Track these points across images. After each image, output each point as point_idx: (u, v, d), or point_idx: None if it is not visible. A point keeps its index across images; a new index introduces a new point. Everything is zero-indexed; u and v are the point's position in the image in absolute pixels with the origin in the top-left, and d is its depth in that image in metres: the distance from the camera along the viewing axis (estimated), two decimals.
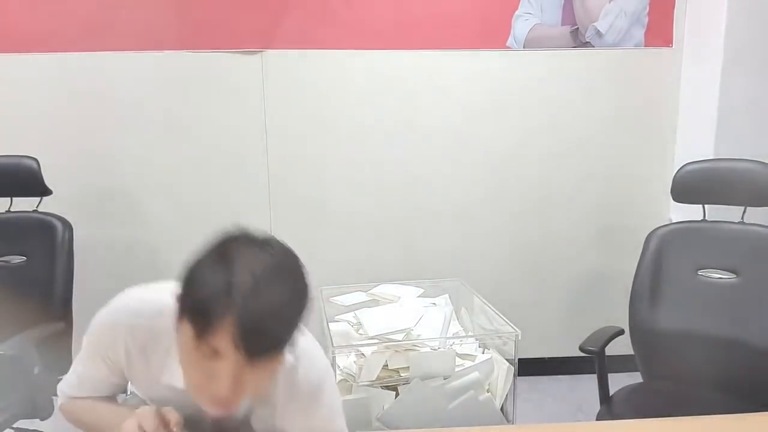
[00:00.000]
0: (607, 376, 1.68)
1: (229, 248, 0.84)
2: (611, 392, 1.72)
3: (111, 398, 1.12)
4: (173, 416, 0.92)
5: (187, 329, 0.81)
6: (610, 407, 1.66)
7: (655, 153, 2.67)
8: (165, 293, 0.90)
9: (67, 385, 1.12)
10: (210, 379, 0.81)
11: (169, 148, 2.53)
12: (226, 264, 0.81)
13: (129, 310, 1.00)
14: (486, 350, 1.47)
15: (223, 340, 0.77)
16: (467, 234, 2.68)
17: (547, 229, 2.71)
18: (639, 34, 2.59)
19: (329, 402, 1.03)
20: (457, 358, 1.33)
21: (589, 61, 2.59)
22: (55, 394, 1.75)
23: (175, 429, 0.92)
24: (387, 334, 1.28)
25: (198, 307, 0.79)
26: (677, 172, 1.85)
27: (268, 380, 0.87)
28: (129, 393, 1.16)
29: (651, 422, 1.18)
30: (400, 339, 1.28)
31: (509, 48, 2.55)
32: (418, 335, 1.37)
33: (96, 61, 2.44)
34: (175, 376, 0.91)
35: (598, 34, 2.56)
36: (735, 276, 1.74)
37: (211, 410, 0.85)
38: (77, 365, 1.09)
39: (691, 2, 2.55)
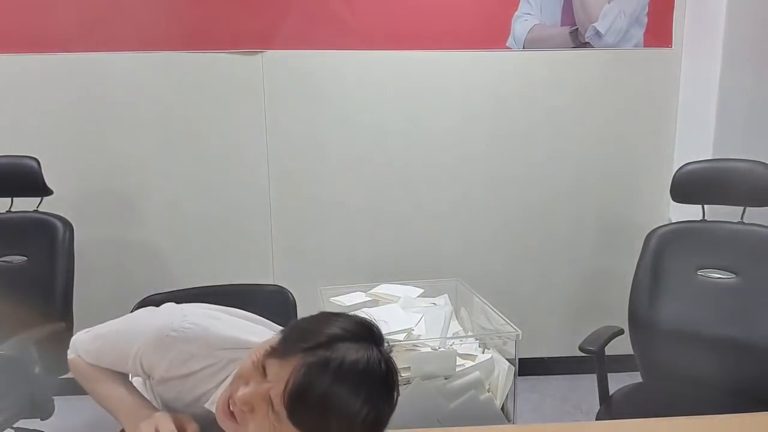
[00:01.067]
0: (606, 375, 1.69)
1: (365, 327, 0.85)
2: (611, 392, 1.72)
3: (126, 377, 1.09)
4: (191, 427, 0.93)
5: (271, 342, 0.84)
6: (609, 407, 1.67)
7: (654, 153, 2.68)
8: (236, 330, 0.98)
9: (83, 348, 1.08)
10: (240, 387, 0.83)
11: (170, 148, 2.53)
12: (351, 338, 0.81)
13: (191, 338, 0.97)
14: (486, 350, 1.47)
15: (282, 374, 0.79)
16: (467, 234, 2.69)
17: (547, 228, 2.71)
18: (638, 34, 2.59)
19: None
20: (457, 358, 1.33)
21: (589, 61, 2.59)
22: (56, 394, 1.77)
23: None
24: (387, 334, 1.28)
25: (296, 333, 0.83)
26: (677, 172, 1.86)
27: None
28: None
29: (650, 422, 1.18)
30: (401, 339, 1.29)
31: (509, 48, 2.56)
32: (419, 335, 1.37)
33: (96, 61, 2.44)
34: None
35: (598, 34, 2.56)
36: (734, 276, 1.75)
37: (218, 415, 0.87)
38: (103, 341, 1.05)
39: (691, 2, 2.55)
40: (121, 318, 1.08)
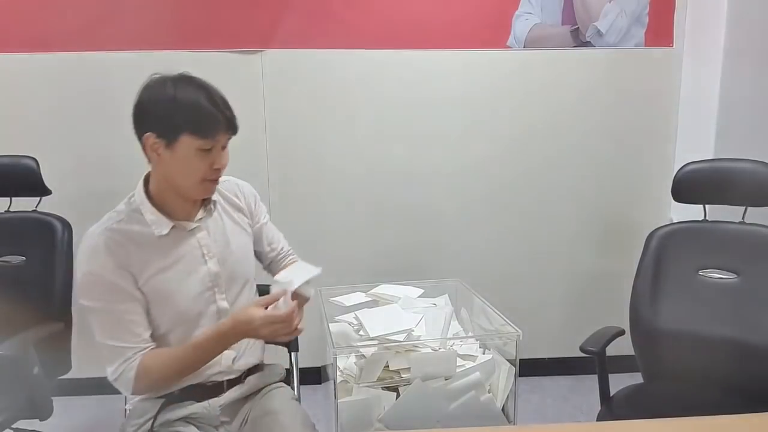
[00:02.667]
0: (607, 376, 1.68)
1: (174, 82, 1.22)
2: (612, 392, 1.72)
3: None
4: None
5: (190, 141, 1.18)
6: (610, 407, 1.66)
7: (655, 153, 2.67)
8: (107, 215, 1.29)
9: (116, 359, 1.18)
10: (210, 166, 1.21)
11: None
12: (190, 88, 1.19)
13: (99, 227, 1.25)
14: (486, 351, 1.46)
15: (222, 132, 1.21)
16: (467, 234, 2.68)
17: (548, 228, 2.71)
18: (639, 33, 2.59)
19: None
20: (457, 359, 1.32)
21: (590, 60, 2.59)
22: (55, 394, 1.76)
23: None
24: (388, 335, 1.28)
25: (199, 121, 1.17)
26: (678, 172, 1.85)
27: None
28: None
29: (651, 422, 1.18)
30: (401, 339, 1.28)
31: (509, 48, 2.55)
32: (419, 336, 1.36)
33: (95, 60, 2.44)
34: (161, 225, 1.25)
35: (599, 33, 2.56)
36: (735, 276, 1.74)
37: (206, 192, 1.27)
38: (104, 333, 1.18)
39: (691, 2, 2.55)
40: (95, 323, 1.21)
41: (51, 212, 1.99)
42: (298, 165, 2.57)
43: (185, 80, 1.22)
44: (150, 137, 1.22)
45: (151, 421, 1.25)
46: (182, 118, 1.18)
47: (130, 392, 1.21)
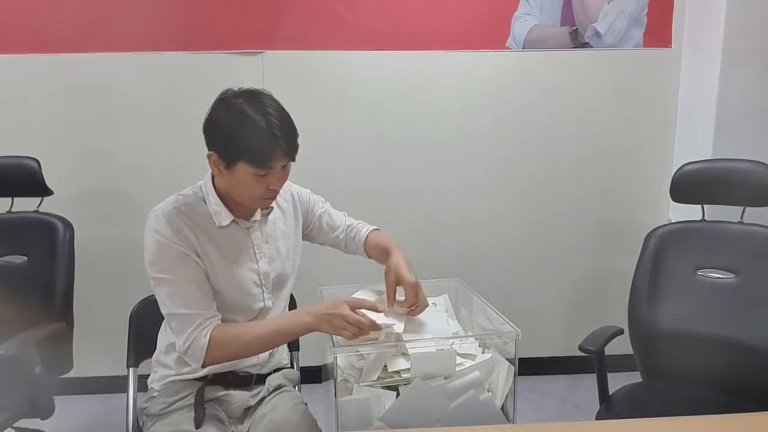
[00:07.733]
0: (606, 375, 1.69)
1: (239, 104, 1.23)
2: (611, 392, 1.72)
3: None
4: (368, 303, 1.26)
5: (246, 168, 1.20)
6: (609, 407, 1.67)
7: (654, 153, 2.68)
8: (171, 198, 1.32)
9: (187, 327, 1.20)
10: (267, 187, 1.24)
11: (170, 149, 2.53)
12: (250, 115, 1.20)
13: (166, 207, 1.29)
14: (486, 350, 1.47)
15: (279, 160, 1.22)
16: (467, 234, 2.69)
17: (547, 228, 2.71)
18: (638, 34, 2.59)
19: None
20: (457, 358, 1.33)
21: (588, 61, 2.59)
22: (56, 394, 1.77)
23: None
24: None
25: (255, 152, 1.19)
26: (676, 172, 1.86)
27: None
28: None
29: (650, 422, 1.18)
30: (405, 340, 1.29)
31: (509, 48, 2.56)
32: (399, 333, 1.37)
33: (96, 61, 2.44)
34: (223, 216, 1.31)
35: (597, 34, 2.57)
36: (734, 276, 1.75)
37: (262, 205, 1.34)
38: (174, 303, 1.22)
39: (690, 3, 2.55)
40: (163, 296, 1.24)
41: (52, 212, 2.00)
42: (298, 165, 2.55)
43: (249, 102, 1.23)
44: (213, 155, 1.25)
45: (194, 395, 1.32)
46: (239, 148, 1.20)
47: (200, 362, 1.21)
